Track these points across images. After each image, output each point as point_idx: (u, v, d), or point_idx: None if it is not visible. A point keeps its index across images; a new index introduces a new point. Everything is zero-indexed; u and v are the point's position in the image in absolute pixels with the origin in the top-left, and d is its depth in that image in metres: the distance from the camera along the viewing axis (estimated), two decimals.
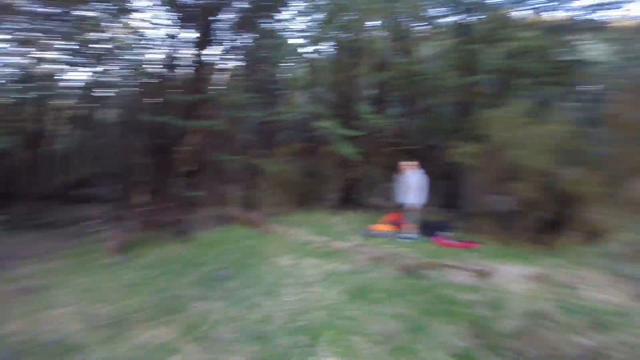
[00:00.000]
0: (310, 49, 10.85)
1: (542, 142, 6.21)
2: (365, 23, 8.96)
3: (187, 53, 8.98)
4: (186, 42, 8.80)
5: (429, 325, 3.57)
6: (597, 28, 8.82)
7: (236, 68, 10.01)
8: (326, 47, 11.65)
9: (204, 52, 8.66)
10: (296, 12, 10.28)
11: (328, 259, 5.58)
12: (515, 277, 4.71)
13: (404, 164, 7.18)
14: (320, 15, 10.22)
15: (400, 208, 6.99)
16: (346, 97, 9.58)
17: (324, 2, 9.56)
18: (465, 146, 7.25)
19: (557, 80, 8.87)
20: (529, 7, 9.61)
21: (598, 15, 8.87)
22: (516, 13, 9.64)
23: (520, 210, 6.40)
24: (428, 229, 6.98)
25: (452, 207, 8.74)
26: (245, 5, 8.64)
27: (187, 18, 8.23)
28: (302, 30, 10.57)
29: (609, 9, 8.63)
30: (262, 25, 8.81)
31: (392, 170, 7.81)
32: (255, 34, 8.70)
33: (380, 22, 9.82)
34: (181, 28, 8.49)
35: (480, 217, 6.96)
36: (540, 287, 4.40)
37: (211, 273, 5.06)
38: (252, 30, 8.59)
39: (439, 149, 9.40)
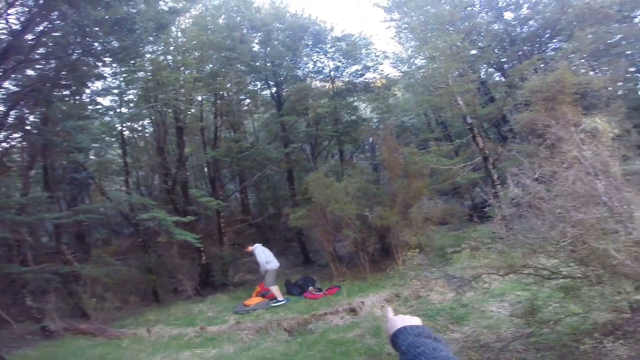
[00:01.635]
0: (124, 128, 9.72)
1: (349, 193, 7.71)
2: (189, 98, 8.86)
3: None
4: None
5: None
6: (365, 89, 11.89)
7: (13, 152, 7.82)
8: (143, 125, 10.77)
9: None
10: (104, 86, 8.82)
11: (210, 346, 5.02)
12: (376, 303, 5.60)
13: (247, 245, 7.53)
14: (135, 91, 9.37)
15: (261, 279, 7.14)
16: (174, 181, 9.09)
17: (140, 76, 8.80)
18: (297, 210, 8.30)
19: (348, 139, 11.60)
20: (321, 77, 12.40)
21: (364, 78, 12.10)
22: (314, 83, 12.15)
23: (355, 249, 7.76)
24: (296, 288, 7.30)
25: (308, 264, 9.57)
26: (33, 73, 6.96)
27: None
28: (111, 108, 9.23)
29: (370, 71, 11.93)
30: (57, 101, 7.10)
31: (243, 246, 7.95)
32: (46, 110, 6.87)
33: (202, 97, 9.96)
34: None
35: (331, 264, 7.92)
36: (399, 306, 5.41)
37: None
38: (42, 104, 6.72)
39: (279, 216, 10.28)
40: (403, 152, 8.76)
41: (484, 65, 13.27)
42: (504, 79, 12.64)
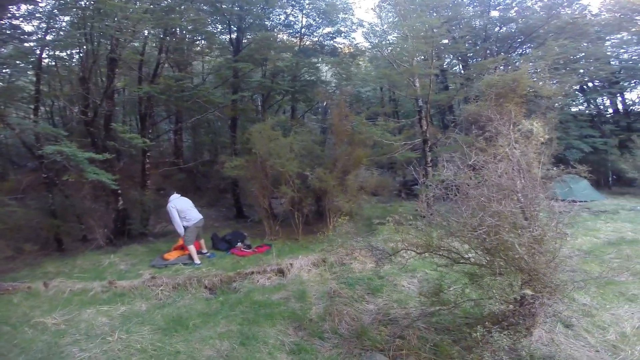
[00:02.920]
0: (45, 55, 8.19)
1: (291, 150, 7.54)
2: (132, 30, 7.49)
3: None
4: None
5: (256, 332, 3.75)
6: (331, 52, 11.62)
7: None
8: (70, 54, 9.29)
9: None
10: (31, 10, 7.40)
11: (118, 302, 4.67)
12: (304, 267, 5.68)
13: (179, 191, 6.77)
14: (67, 17, 7.91)
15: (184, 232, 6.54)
16: (95, 113, 7.90)
17: (78, 3, 7.43)
18: (235, 159, 7.89)
19: (303, 97, 11.23)
20: (290, 32, 11.59)
21: (334, 42, 11.79)
22: (280, 36, 11.32)
23: (290, 209, 7.75)
24: (223, 243, 7.11)
25: (240, 218, 9.32)
26: None
27: None
28: (33, 33, 7.67)
29: (342, 36, 11.66)
30: None
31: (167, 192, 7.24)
32: None
33: (150, 31, 8.65)
34: None
35: (265, 221, 7.84)
36: (324, 271, 5.57)
37: None
38: None
39: (214, 164, 9.70)
40: (352, 121, 8.75)
41: (450, 55, 13.64)
42: (463, 71, 13.21)
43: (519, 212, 3.03)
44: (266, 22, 10.76)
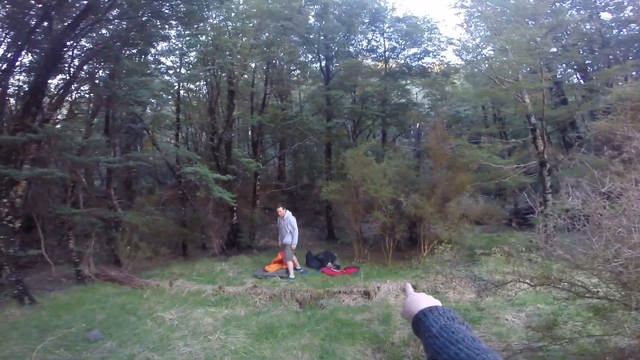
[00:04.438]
0: (181, 87, 10.38)
1: (387, 176, 7.48)
2: (244, 64, 9.07)
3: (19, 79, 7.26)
4: (20, 66, 7.07)
5: (335, 349, 3.77)
6: (421, 73, 11.32)
7: (81, 102, 8.45)
8: (199, 86, 11.43)
9: (43, 80, 6.67)
10: (167, 47, 9.72)
11: (223, 306, 5.22)
12: (392, 291, 5.48)
13: (279, 208, 7.27)
14: (194, 53, 10.03)
15: (283, 248, 7.07)
16: (220, 140, 9.46)
17: (201, 40, 9.37)
18: (331, 184, 8.19)
19: (394, 121, 11.22)
20: (374, 56, 12.03)
21: (421, 62, 11.59)
22: (366, 61, 11.84)
23: (382, 234, 7.61)
24: (316, 261, 7.40)
25: (331, 239, 9.63)
26: (107, 33, 7.62)
27: (25, 37, 6.44)
28: (172, 68, 10.04)
29: (430, 56, 11.40)
30: (125, 58, 7.73)
31: (274, 211, 7.99)
32: (114, 66, 7.50)
33: (256, 64, 10.18)
34: (17, 49, 6.65)
35: (355, 244, 7.88)
36: None
37: (73, 335, 4.11)
38: (112, 61, 7.31)
39: (312, 187, 10.35)
40: (452, 143, 8.27)
41: (562, 65, 11.99)
42: (583, 82, 11.38)
43: None
44: (350, 49, 11.21)
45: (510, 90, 8.00)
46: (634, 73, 8.24)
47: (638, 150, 3.16)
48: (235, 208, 8.93)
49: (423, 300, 0.75)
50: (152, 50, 9.09)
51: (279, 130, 10.26)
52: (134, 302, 5.43)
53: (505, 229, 9.19)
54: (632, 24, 10.78)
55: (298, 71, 12.02)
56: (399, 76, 11.10)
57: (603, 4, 11.13)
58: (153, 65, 9.42)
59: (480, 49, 10.30)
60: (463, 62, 11.07)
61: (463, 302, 4.91)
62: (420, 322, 0.70)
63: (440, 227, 7.07)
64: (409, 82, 11.38)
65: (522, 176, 7.87)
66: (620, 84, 7.29)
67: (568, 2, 11.51)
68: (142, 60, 9.05)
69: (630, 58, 9.62)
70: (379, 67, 11.89)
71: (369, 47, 11.83)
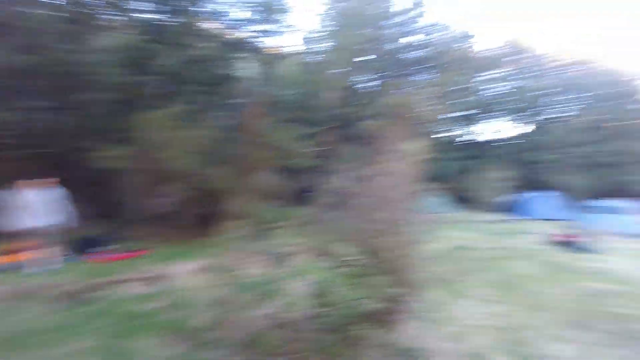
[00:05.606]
0: None
1: (190, 145, 6.99)
2: None
3: None
4: None
5: (129, 347, 3.23)
6: (257, 51, 10.87)
7: None
8: None
9: None
10: None
11: None
12: (187, 273, 5.18)
13: (28, 181, 5.38)
14: None
15: (28, 233, 5.28)
16: None
17: None
18: (117, 149, 6.76)
19: (213, 90, 10.41)
20: (220, 22, 10.51)
21: (260, 40, 10.99)
22: (205, 24, 10.19)
23: (178, 209, 7.01)
24: (89, 244, 6.01)
25: (109, 216, 7.89)
26: None
27: None
28: None
29: (271, 36, 10.96)
30: None
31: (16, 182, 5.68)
32: None
33: None
34: None
35: (143, 222, 6.91)
36: (211, 277, 5.10)
37: None
38: None
39: (86, 152, 8.03)
40: (266, 122, 8.55)
41: (368, 72, 14.80)
42: (374, 89, 14.44)
43: (391, 221, 3.31)
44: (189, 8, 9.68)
45: (328, 83, 9.06)
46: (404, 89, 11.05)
47: (389, 147, 3.99)
48: None
49: None
50: None
51: (57, 76, 7.52)
52: None
53: (295, 204, 10.42)
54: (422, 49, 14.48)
55: (115, 16, 9.14)
56: (234, 48, 10.38)
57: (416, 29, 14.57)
58: None
59: (323, 40, 11.10)
60: (304, 49, 11.63)
61: (259, 277, 5.14)
62: None
63: (239, 201, 7.21)
64: (243, 56, 10.82)
65: (312, 160, 9.15)
66: (394, 93, 9.57)
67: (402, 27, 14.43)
68: None
69: (411, 77, 13.27)
70: (214, 33, 10.72)
71: (212, 10, 10.39)
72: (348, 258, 3.53)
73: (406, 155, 4.01)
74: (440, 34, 16.18)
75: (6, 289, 4.23)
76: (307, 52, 11.30)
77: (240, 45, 10.82)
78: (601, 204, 11.40)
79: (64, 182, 5.73)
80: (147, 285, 4.81)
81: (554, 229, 9.66)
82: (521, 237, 9.55)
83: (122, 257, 5.86)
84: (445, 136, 18.29)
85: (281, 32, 11.46)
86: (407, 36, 15.12)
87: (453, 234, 8.96)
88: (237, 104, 13.38)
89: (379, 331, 3.19)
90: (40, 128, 8.78)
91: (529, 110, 18.52)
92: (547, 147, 16.92)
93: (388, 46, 13.87)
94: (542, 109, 18.73)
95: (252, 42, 11.12)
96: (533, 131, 18.33)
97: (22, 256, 5.19)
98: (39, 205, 5.24)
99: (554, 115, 18.62)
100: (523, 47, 19.00)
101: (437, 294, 4.67)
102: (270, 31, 11.24)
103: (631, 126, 16.38)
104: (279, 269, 5.09)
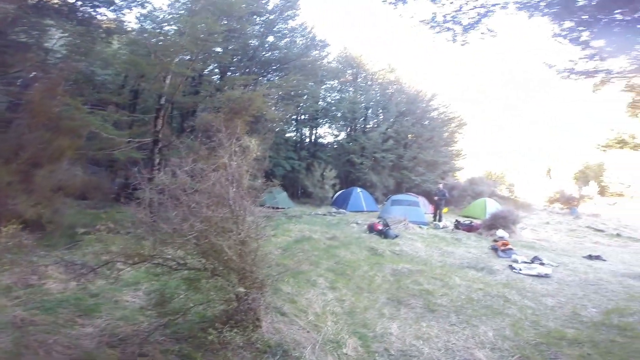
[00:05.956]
0: None
1: None
2: None
3: None
4: None
5: None
6: (79, 20, 8.24)
7: None
8: None
9: None
10: None
11: None
12: None
13: None
14: None
15: None
16: None
17: None
18: None
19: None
20: None
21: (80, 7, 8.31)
22: None
23: None
24: None
25: None
26: None
27: None
28: None
29: (98, 6, 8.44)
30: None
31: None
32: None
33: None
34: None
35: None
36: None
37: None
38: None
39: None
40: (65, 102, 6.72)
41: (215, 63, 13.84)
42: (218, 81, 13.72)
43: (229, 218, 3.26)
44: None
45: (158, 67, 7.88)
46: (251, 86, 10.96)
47: (221, 141, 3.86)
48: None
49: None
50: None
51: None
52: None
53: (113, 204, 8.85)
54: (276, 51, 14.95)
55: None
56: (46, 12, 7.48)
57: (276, 29, 15.20)
58: None
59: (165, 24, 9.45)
60: (138, 27, 9.62)
61: (69, 291, 4.16)
62: None
63: (25, 201, 5.47)
64: (55, 22, 8.00)
65: (134, 150, 7.95)
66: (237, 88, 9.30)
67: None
68: None
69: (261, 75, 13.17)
70: None
71: None
72: (184, 261, 3.26)
73: (244, 150, 4.05)
74: (301, 38, 17.10)
75: None
76: (146, 32, 9.71)
77: (49, 9, 8.19)
78: (401, 198, 13.85)
79: None
80: None
81: (371, 219, 11.52)
82: (348, 227, 10.84)
83: None
84: (284, 136, 19.60)
85: (112, 3, 9.46)
86: (269, 35, 15.33)
87: (294, 227, 9.54)
88: (28, 78, 10.15)
89: (238, 332, 3.06)
90: None
91: (352, 118, 22.10)
92: (363, 151, 20.51)
93: (243, 41, 13.64)
94: (361, 119, 22.66)
95: (68, 8, 8.61)
96: (354, 137, 21.93)
97: None
98: None
99: (370, 125, 22.81)
100: (357, 62, 22.42)
101: (288, 286, 4.82)
102: (109, 2, 9.13)
103: (424, 138, 21.76)
104: (97, 281, 4.21)
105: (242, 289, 3.10)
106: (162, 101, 8.50)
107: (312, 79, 17.80)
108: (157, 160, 8.00)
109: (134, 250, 3.16)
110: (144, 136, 8.27)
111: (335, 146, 22.98)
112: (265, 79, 16.11)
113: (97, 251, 4.89)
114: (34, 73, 9.48)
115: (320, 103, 21.82)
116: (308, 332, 3.70)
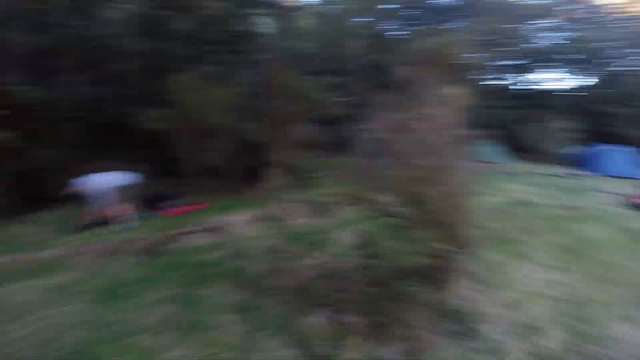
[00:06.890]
0: None
1: (222, 102, 7.19)
2: None
3: None
4: None
5: (198, 295, 3.67)
6: (271, 4, 10.43)
7: None
8: None
9: None
10: None
11: (43, 277, 4.15)
12: (243, 224, 5.60)
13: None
14: None
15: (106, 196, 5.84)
16: None
17: None
18: (156, 111, 7.13)
19: (234, 49, 10.33)
20: None
21: None
22: None
23: (225, 163, 7.40)
24: (151, 203, 6.61)
25: (166, 174, 8.60)
26: None
27: None
28: None
29: None
30: None
31: (84, 151, 6.36)
32: None
33: None
34: None
35: (196, 177, 7.40)
36: (265, 227, 5.44)
37: None
38: None
39: (130, 117, 8.55)
40: (291, 76, 8.47)
41: (395, 20, 13.95)
42: (403, 36, 13.65)
43: (438, 168, 3.19)
44: None
45: (348, 32, 8.69)
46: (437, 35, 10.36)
47: (425, 91, 3.69)
48: (21, 151, 6.44)
49: None
50: None
51: (80, 52, 7.80)
52: None
53: (334, 154, 10.47)
54: None
55: None
56: (246, 4, 9.93)
57: None
58: None
59: None
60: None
61: (306, 226, 5.30)
62: None
63: (280, 153, 7.49)
64: (256, 11, 10.37)
65: (345, 109, 9.08)
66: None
67: None
68: None
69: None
70: None
71: None
72: (391, 208, 3.27)
73: (447, 100, 3.86)
74: None
75: (96, 246, 4.89)
76: (326, 3, 10.65)
77: (253, 1, 10.31)
78: None
79: (119, 147, 6.19)
80: (209, 236, 5.30)
81: (630, 189, 8.53)
82: (591, 196, 8.13)
83: (185, 211, 6.42)
84: (494, 84, 17.01)
85: None
86: None
87: (511, 187, 8.20)
88: (260, 60, 13.13)
89: (426, 289, 3.00)
90: (84, 101, 9.28)
91: (590, 62, 16.49)
92: (617, 100, 15.02)
93: None
94: (608, 61, 16.58)
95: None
96: (598, 83, 16.41)
97: (110, 214, 5.83)
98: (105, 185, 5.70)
99: (622, 68, 16.40)
100: None
101: (493, 254, 4.33)
102: None
103: None
104: (325, 219, 5.39)
105: (441, 245, 2.93)
106: (357, 63, 9.11)
107: (512, 20, 14.34)
108: (363, 116, 8.89)
109: (353, 194, 3.71)
110: (350, 96, 9.29)
111: (567, 94, 17.96)
112: (452, 26, 14.34)
113: (326, 194, 6.09)
114: (262, 56, 12.17)
115: (533, 45, 17.38)
116: (503, 309, 3.31)
